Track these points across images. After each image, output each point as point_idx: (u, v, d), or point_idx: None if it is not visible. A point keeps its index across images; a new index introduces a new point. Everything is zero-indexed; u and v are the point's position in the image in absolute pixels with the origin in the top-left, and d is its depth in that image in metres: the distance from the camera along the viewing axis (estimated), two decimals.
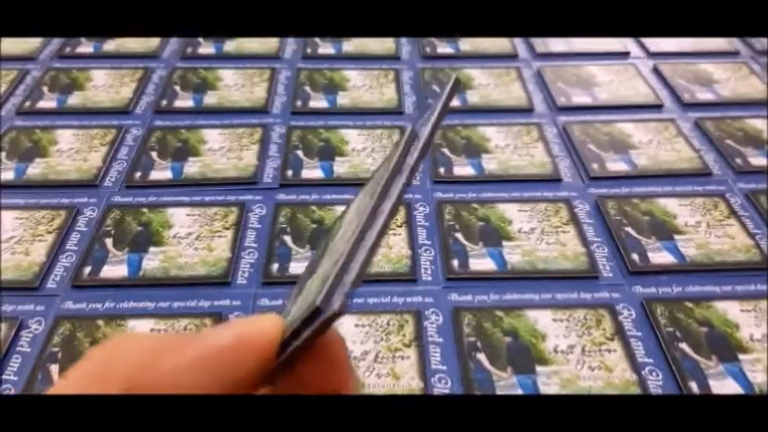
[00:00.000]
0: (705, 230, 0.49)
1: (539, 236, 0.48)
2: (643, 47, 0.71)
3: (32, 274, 0.44)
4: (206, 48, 0.69)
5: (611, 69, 0.67)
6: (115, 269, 0.45)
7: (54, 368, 0.38)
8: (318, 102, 0.62)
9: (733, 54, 0.71)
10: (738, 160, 0.56)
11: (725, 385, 0.38)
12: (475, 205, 0.50)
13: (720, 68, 0.68)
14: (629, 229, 0.48)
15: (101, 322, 0.41)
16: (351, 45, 0.70)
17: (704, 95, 0.64)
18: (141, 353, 0.16)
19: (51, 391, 0.16)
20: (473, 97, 0.63)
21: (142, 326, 0.41)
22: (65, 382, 0.16)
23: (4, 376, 0.38)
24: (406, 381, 0.38)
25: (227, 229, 0.48)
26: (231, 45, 0.70)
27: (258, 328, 0.16)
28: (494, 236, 0.47)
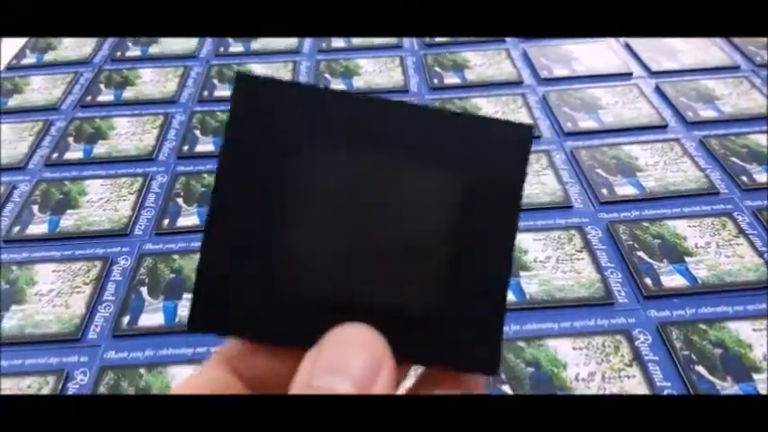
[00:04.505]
0: (715, 251, 0.50)
1: (554, 264, 0.50)
2: (645, 66, 0.73)
3: (74, 326, 0.47)
4: (221, 90, 0.72)
5: (615, 91, 0.69)
6: (152, 317, 0.47)
7: None
8: None
9: (733, 69, 0.73)
10: (744, 178, 0.57)
11: None
12: None
13: (722, 84, 0.70)
14: (641, 254, 0.50)
15: (143, 370, 0.43)
16: None
17: (707, 113, 0.66)
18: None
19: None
20: None
21: (183, 372, 0.43)
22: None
23: None
24: None
25: None
26: None
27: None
28: None
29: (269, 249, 0.18)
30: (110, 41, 0.82)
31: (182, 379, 0.19)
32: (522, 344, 0.44)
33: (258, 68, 0.75)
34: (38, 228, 0.55)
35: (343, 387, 0.16)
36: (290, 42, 0.80)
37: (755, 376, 0.42)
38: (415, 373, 0.19)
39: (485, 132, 0.19)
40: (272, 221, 0.18)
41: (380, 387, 0.16)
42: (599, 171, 0.59)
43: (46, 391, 0.43)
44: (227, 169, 0.18)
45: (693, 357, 0.43)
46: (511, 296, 0.47)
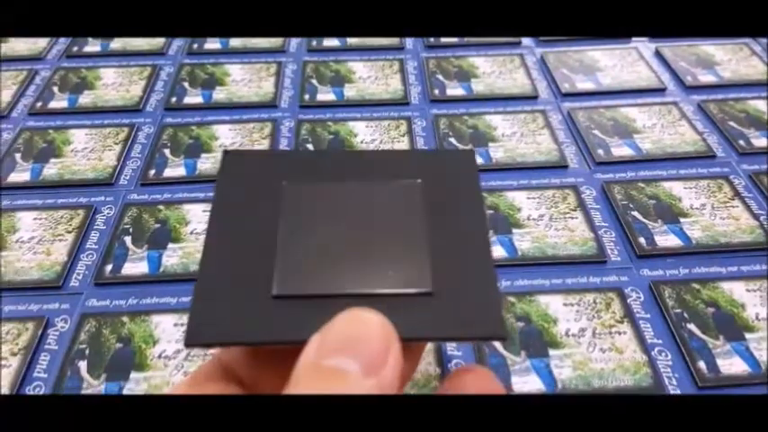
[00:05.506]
0: (710, 212, 0.50)
1: (547, 222, 0.49)
2: None
3: (55, 274, 0.45)
4: (212, 43, 0.70)
5: (614, 54, 0.68)
6: (136, 266, 0.46)
7: (83, 364, 0.40)
8: (326, 95, 0.62)
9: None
10: (741, 142, 0.56)
11: (732, 363, 0.40)
12: (484, 194, 0.51)
13: (721, 50, 0.69)
14: (635, 214, 0.49)
15: (125, 318, 0.42)
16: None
17: (706, 78, 0.65)
18: None
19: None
20: (478, 86, 0.63)
21: (166, 321, 0.42)
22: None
23: (34, 374, 0.39)
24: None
25: None
26: (237, 40, 0.70)
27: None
28: (504, 223, 0.48)
29: (261, 262, 0.20)
30: None
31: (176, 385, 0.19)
32: (512, 299, 0.43)
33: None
34: (20, 176, 0.54)
35: (353, 368, 0.15)
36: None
37: (748, 335, 0.41)
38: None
39: (434, 156, 0.24)
40: (261, 238, 0.20)
41: (390, 369, 0.16)
42: (596, 132, 0.58)
43: (25, 337, 0.42)
44: (220, 205, 0.21)
45: (686, 316, 0.42)
46: (502, 252, 0.46)
